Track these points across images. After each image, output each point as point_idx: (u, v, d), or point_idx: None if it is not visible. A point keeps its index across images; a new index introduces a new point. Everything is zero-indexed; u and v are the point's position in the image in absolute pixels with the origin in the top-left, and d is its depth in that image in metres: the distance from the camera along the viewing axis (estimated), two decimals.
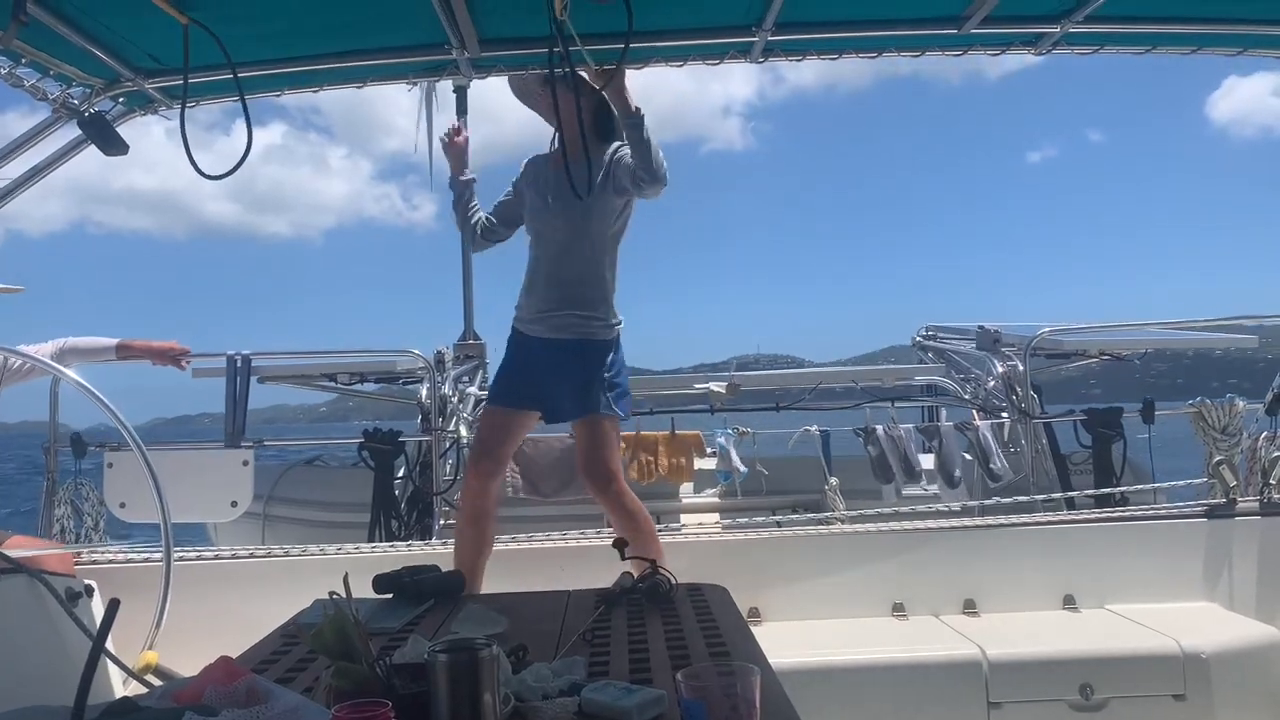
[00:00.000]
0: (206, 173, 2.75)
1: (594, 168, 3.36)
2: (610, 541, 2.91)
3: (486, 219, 3.71)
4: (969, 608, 3.76)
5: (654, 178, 3.27)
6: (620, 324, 3.52)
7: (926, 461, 4.95)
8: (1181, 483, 4.45)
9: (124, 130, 3.38)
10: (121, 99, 3.35)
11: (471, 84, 5.62)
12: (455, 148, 3.76)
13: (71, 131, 3.35)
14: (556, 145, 3.46)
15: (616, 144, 3.42)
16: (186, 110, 2.99)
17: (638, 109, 3.19)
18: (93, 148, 3.34)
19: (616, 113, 3.26)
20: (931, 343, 6.27)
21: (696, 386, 5.48)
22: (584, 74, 3.24)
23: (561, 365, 3.43)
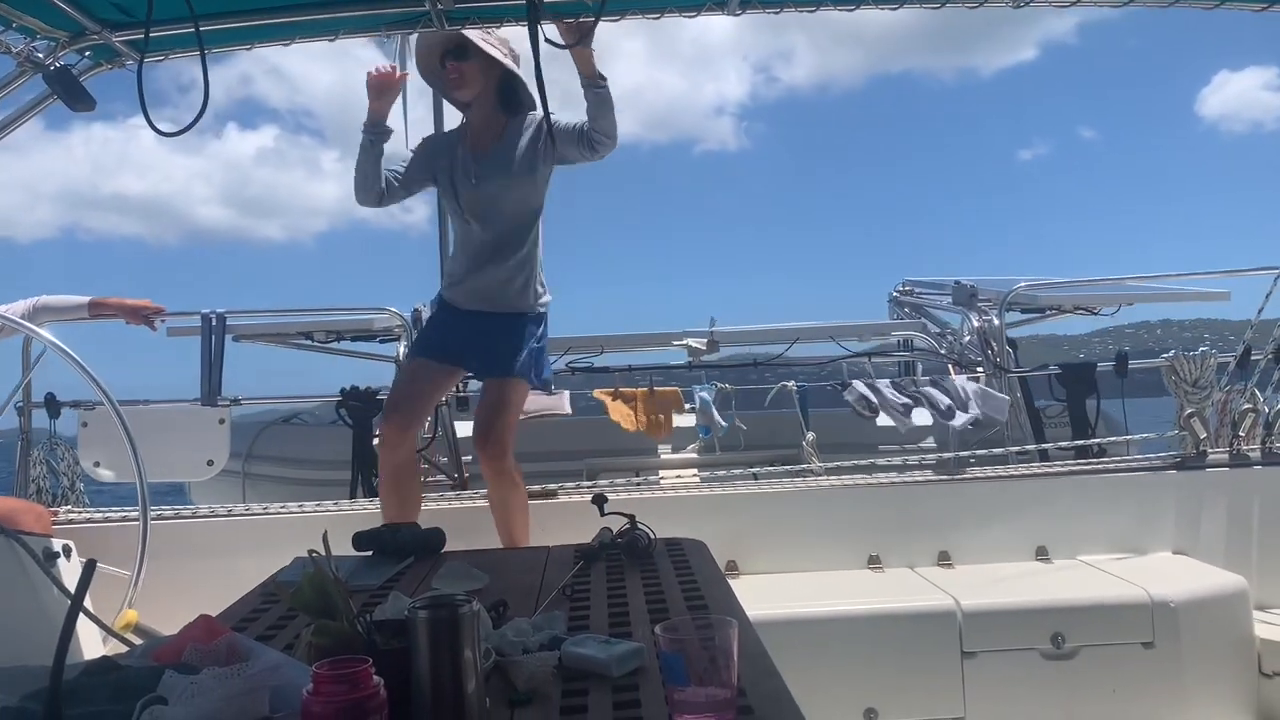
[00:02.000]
0: (162, 130, 2.70)
1: (509, 140, 3.39)
2: (590, 498, 2.92)
3: (392, 178, 3.56)
4: (944, 559, 3.81)
5: (613, 139, 3.33)
6: (548, 299, 3.54)
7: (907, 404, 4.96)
8: (1153, 435, 4.51)
9: (92, 91, 3.31)
10: (87, 52, 3.29)
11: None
12: (389, 86, 3.46)
13: (38, 85, 3.29)
14: (470, 120, 3.50)
15: (531, 114, 3.42)
16: (153, 64, 2.94)
17: (601, 74, 3.21)
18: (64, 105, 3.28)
19: (582, 73, 3.24)
20: (908, 298, 6.28)
21: (675, 344, 5.48)
22: (555, 30, 3.20)
23: (485, 331, 3.44)
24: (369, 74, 3.45)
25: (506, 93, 3.47)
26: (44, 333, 3.55)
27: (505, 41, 3.43)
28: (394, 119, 3.55)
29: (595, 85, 3.23)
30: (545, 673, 1.52)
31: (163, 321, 4.26)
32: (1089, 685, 3.20)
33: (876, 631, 3.24)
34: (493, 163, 3.41)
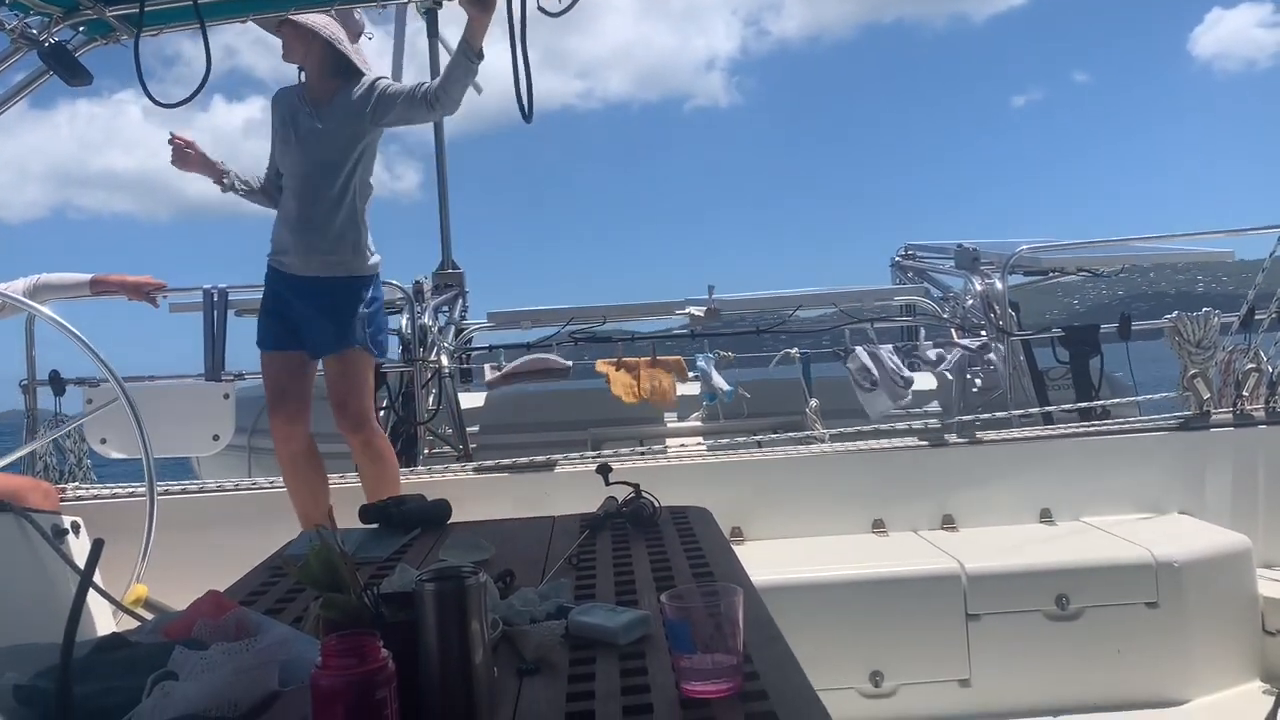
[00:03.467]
0: (161, 102, 2.69)
1: (337, 103, 3.42)
2: (594, 467, 2.93)
3: (268, 179, 3.65)
4: (948, 523, 3.82)
5: (454, 108, 3.39)
6: (377, 259, 3.55)
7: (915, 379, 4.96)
8: (1157, 396, 4.50)
9: (87, 65, 3.29)
10: (81, 27, 3.26)
11: (444, 6, 5.50)
12: (192, 160, 3.60)
13: (33, 61, 3.26)
14: (306, 80, 3.53)
15: (365, 77, 3.47)
16: (148, 38, 2.92)
17: (482, 51, 3.26)
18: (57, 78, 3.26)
19: (469, 36, 3.24)
20: (910, 262, 6.26)
21: (677, 312, 5.47)
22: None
23: (315, 300, 3.45)
24: (174, 162, 3.60)
25: (337, 60, 3.48)
26: (47, 310, 3.54)
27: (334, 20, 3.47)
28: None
29: (471, 57, 3.27)
30: (552, 642, 1.53)
31: (164, 297, 4.26)
32: (1094, 646, 3.21)
33: (881, 595, 3.25)
34: (321, 121, 3.44)
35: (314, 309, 3.45)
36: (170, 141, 3.57)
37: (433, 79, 3.45)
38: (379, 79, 3.47)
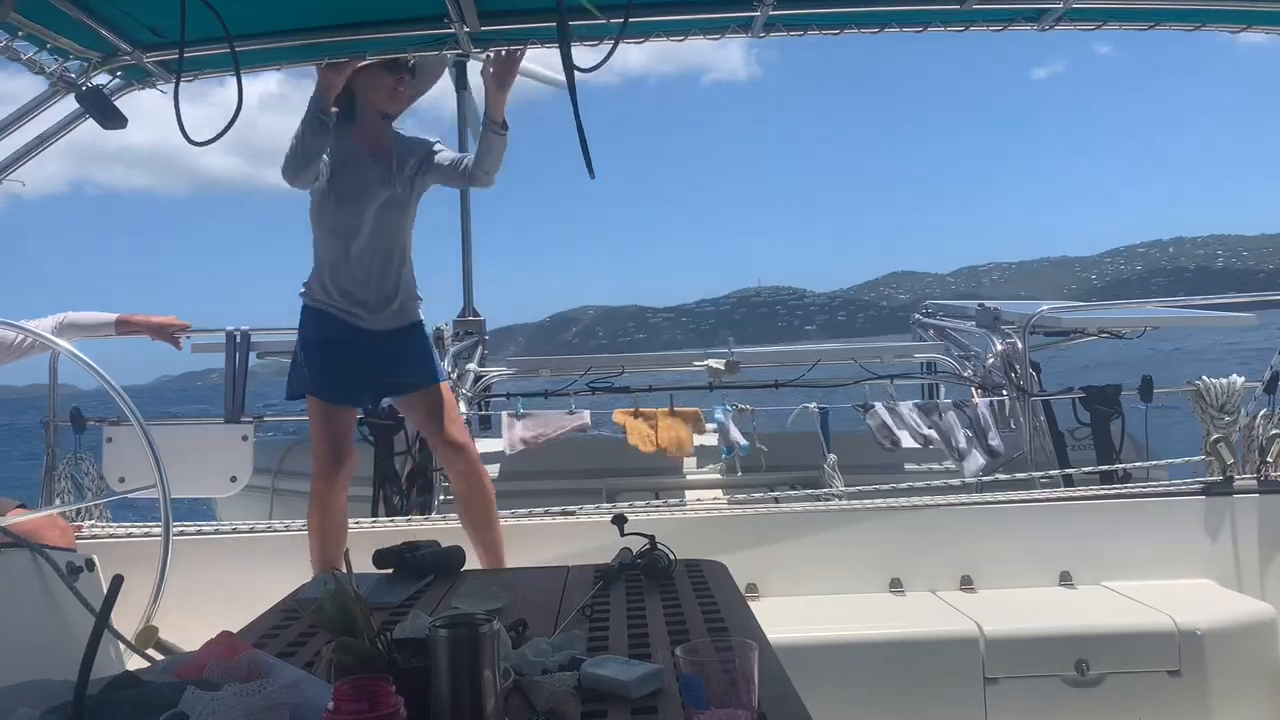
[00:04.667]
0: (195, 140, 2.73)
1: (395, 150, 3.48)
2: (610, 518, 2.92)
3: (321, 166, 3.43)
4: (966, 584, 3.78)
5: (493, 179, 3.48)
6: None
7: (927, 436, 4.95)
8: (1179, 460, 4.46)
9: (122, 103, 3.36)
10: (119, 72, 3.33)
11: (470, 59, 5.60)
12: (342, 75, 3.27)
13: (70, 104, 3.33)
14: (366, 126, 3.47)
15: (423, 138, 3.57)
16: (184, 83, 2.98)
17: (505, 121, 3.36)
18: (91, 120, 3.33)
19: (491, 111, 3.34)
20: (931, 320, 6.27)
21: (696, 364, 5.48)
22: (480, 64, 3.40)
23: (398, 348, 3.52)
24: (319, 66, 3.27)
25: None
26: (73, 349, 3.58)
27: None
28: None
29: (498, 130, 3.36)
30: (564, 693, 1.52)
31: (187, 338, 4.31)
32: (1114, 714, 3.15)
33: (898, 656, 3.21)
34: (381, 172, 3.46)
35: (397, 358, 3.52)
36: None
37: (460, 128, 3.52)
38: (435, 143, 3.55)
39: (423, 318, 3.64)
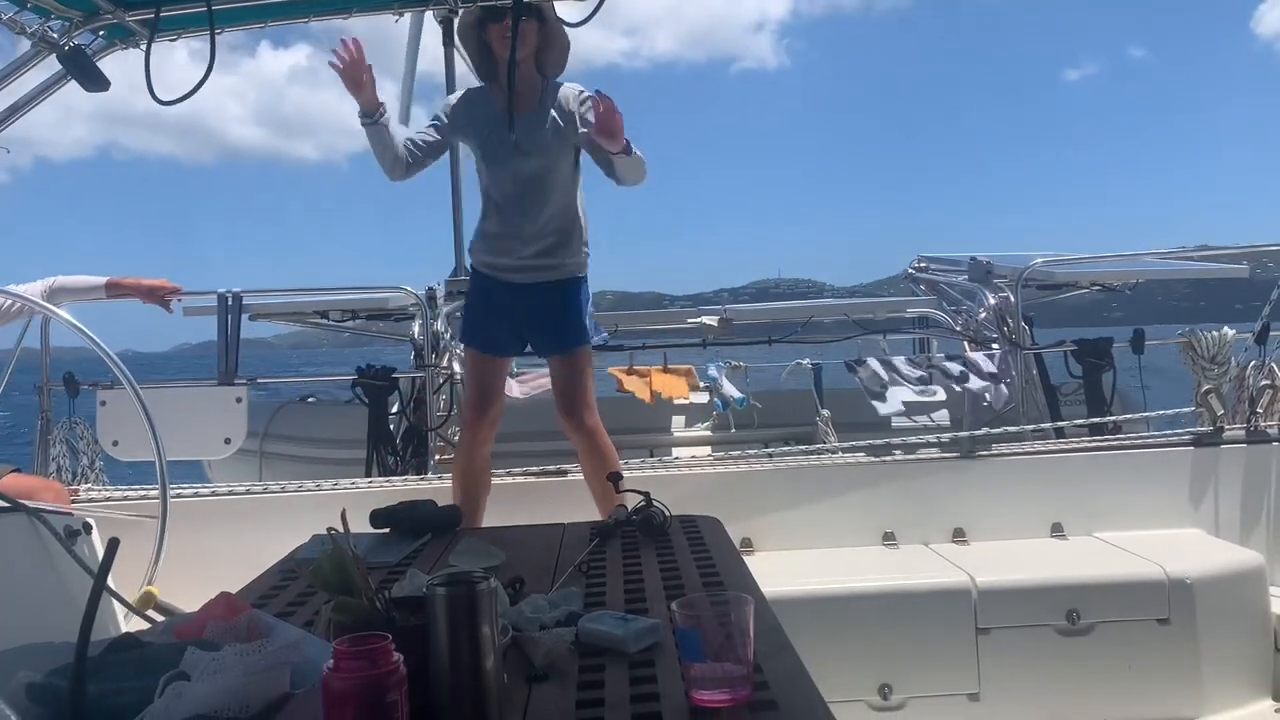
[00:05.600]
0: (163, 100, 2.70)
1: (546, 104, 3.35)
2: (605, 475, 2.93)
3: (409, 151, 3.42)
4: (958, 536, 3.81)
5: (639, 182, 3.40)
6: (589, 254, 3.54)
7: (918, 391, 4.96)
8: (1170, 412, 4.48)
9: (109, 63, 3.32)
10: (101, 32, 3.29)
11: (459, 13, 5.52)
12: (358, 71, 3.22)
13: (53, 65, 3.29)
14: (504, 81, 3.31)
15: (559, 83, 3.42)
16: (165, 43, 2.94)
17: (627, 146, 3.20)
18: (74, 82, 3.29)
19: (609, 151, 3.22)
20: (923, 274, 6.26)
21: (689, 321, 5.48)
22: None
23: (542, 304, 3.45)
24: (333, 66, 3.24)
25: (540, 55, 3.41)
26: (64, 314, 3.56)
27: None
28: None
29: (627, 153, 3.21)
30: (562, 649, 1.53)
31: (178, 301, 4.28)
32: (1104, 662, 3.20)
33: (891, 608, 3.24)
34: (529, 131, 3.35)
35: (542, 313, 3.47)
36: (340, 53, 3.19)
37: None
38: (585, 101, 3.35)
39: (583, 275, 3.51)
